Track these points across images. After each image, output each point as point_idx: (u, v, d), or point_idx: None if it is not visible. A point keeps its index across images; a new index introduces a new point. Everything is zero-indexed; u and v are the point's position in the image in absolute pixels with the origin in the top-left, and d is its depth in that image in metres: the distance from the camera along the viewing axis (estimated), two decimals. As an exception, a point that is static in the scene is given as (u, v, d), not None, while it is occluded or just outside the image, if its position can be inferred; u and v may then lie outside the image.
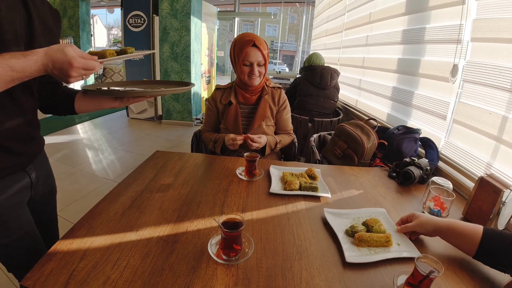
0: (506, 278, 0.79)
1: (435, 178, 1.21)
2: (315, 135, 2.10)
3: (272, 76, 6.02)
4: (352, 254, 0.85)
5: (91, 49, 6.98)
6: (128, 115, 5.31)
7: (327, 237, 0.95)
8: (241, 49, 1.54)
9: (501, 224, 1.02)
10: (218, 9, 6.02)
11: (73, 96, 1.01)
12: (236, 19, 6.87)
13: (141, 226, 0.93)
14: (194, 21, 4.65)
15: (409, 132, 1.79)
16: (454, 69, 1.55)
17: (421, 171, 1.35)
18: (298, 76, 3.22)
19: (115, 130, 4.67)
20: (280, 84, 2.78)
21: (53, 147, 3.70)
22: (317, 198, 1.18)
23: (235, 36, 6.95)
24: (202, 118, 5.21)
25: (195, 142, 1.82)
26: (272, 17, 8.98)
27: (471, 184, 1.33)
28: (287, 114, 1.77)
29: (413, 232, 0.94)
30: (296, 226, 0.99)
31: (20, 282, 0.70)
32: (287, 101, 1.75)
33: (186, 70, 4.69)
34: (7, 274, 1.00)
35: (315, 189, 1.21)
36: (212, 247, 0.82)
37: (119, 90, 1.01)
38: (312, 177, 1.32)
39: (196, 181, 1.24)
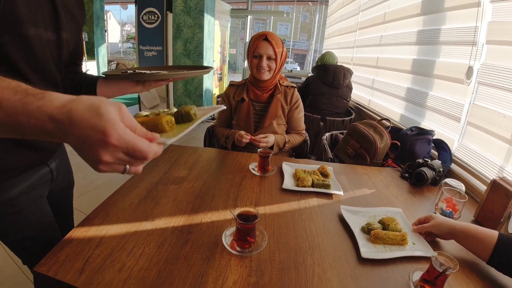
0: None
1: (448, 180, 1.20)
2: (327, 134, 2.10)
3: (283, 75, 6.00)
4: (367, 250, 0.86)
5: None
6: (140, 110, 5.37)
7: (340, 234, 0.95)
8: (253, 43, 1.57)
9: (511, 228, 1.01)
10: (231, 7, 6.03)
11: (95, 84, 0.98)
12: (249, 17, 6.88)
13: (156, 216, 0.95)
14: (207, 19, 4.67)
15: (423, 133, 1.78)
16: (469, 71, 1.53)
17: (433, 173, 1.34)
18: (310, 74, 3.21)
19: (127, 124, 4.71)
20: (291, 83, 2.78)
21: (67, 140, 3.75)
22: (329, 196, 1.18)
23: (247, 34, 6.94)
24: (214, 114, 5.24)
25: (207, 137, 1.84)
26: (285, 15, 8.96)
27: (483, 187, 1.33)
28: (299, 113, 1.76)
29: (429, 234, 0.94)
30: (309, 221, 1.00)
31: (34, 268, 0.71)
32: (300, 100, 1.74)
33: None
34: (21, 266, 1.00)
35: (327, 186, 1.21)
36: (227, 238, 0.84)
37: (143, 73, 0.96)
38: (325, 174, 1.33)
39: (210, 175, 1.26)
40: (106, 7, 7.62)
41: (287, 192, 1.17)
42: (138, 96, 5.26)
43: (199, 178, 1.22)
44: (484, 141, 1.44)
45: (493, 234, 0.80)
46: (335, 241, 0.92)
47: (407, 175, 1.42)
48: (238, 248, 0.81)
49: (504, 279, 0.80)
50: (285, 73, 6.28)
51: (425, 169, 1.33)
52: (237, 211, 0.81)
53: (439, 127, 1.84)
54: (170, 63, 4.84)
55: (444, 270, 0.67)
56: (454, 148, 1.65)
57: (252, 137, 1.53)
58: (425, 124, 1.98)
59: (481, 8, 1.47)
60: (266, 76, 1.60)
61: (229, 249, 0.81)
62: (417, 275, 0.75)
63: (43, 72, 0.77)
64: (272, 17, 17.45)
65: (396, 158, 1.95)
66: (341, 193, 1.19)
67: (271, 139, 1.57)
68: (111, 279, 0.70)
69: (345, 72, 2.90)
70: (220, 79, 5.71)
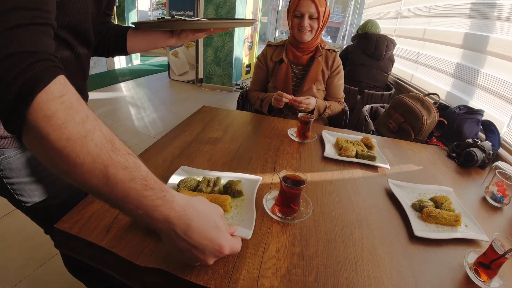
0: None
1: (499, 163, 1.12)
2: (368, 106, 1.96)
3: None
4: (420, 228, 0.78)
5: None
6: (169, 77, 5.34)
7: (388, 209, 0.87)
8: (294, 1, 1.44)
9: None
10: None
11: (124, 35, 0.90)
12: (283, -16, 6.54)
13: (191, 175, 0.88)
14: (240, -17, 4.47)
15: (472, 112, 1.65)
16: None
17: (483, 154, 1.22)
18: (350, 44, 3.01)
19: (156, 90, 4.71)
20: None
21: (97, 103, 3.81)
22: (374, 168, 1.08)
23: (280, 3, 6.61)
24: (242, 84, 5.13)
25: (241, 102, 1.75)
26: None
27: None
28: (340, 80, 1.63)
29: None
30: (354, 193, 0.91)
31: (55, 225, 0.63)
32: (341, 66, 1.61)
33: (229, 33, 4.57)
34: (44, 236, 0.95)
35: (373, 158, 1.11)
36: (268, 203, 0.76)
37: (180, 19, 0.85)
38: (369, 146, 1.22)
39: (246, 137, 1.18)
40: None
41: (328, 161, 1.08)
42: (168, 62, 5.20)
43: (234, 140, 1.14)
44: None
45: None
46: (383, 215, 0.83)
47: (454, 154, 1.30)
48: (279, 214, 0.73)
49: None
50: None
51: (475, 150, 1.22)
52: (283, 173, 0.73)
53: (488, 108, 1.71)
54: (201, 28, 4.70)
55: (504, 253, 0.62)
56: (503, 131, 1.54)
57: (293, 98, 1.43)
58: (473, 104, 1.84)
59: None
60: (308, 37, 1.46)
61: (270, 214, 0.74)
62: (471, 258, 0.69)
63: (82, 35, 0.69)
64: (306, -14, 16.57)
65: (441, 137, 1.80)
66: (388, 166, 1.09)
67: (312, 101, 1.46)
68: (141, 239, 0.63)
69: (388, 43, 2.68)
70: (251, 48, 5.53)
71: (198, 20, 0.85)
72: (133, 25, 0.91)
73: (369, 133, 1.64)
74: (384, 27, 3.74)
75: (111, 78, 5.00)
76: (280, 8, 6.61)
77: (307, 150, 1.14)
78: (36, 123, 0.36)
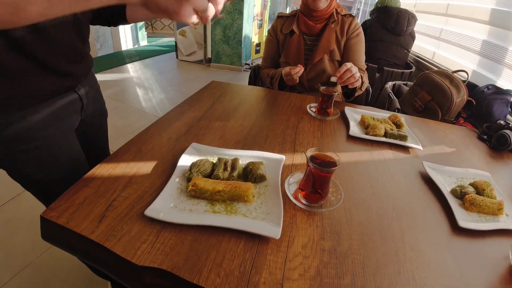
0: None
1: None
2: (390, 83, 1.80)
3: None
4: (463, 218, 0.68)
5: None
6: (177, 57, 5.18)
7: (426, 195, 0.75)
8: None
9: None
10: None
11: (123, 5, 0.81)
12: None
13: (199, 155, 0.77)
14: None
15: (501, 92, 1.54)
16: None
17: None
18: (368, 18, 2.80)
19: (164, 70, 4.58)
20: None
21: (104, 84, 3.70)
22: (405, 149, 0.96)
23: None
24: (252, 63, 4.94)
25: (253, 77, 1.61)
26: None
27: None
28: (359, 44, 1.39)
29: None
30: (387, 177, 0.79)
31: (41, 214, 0.55)
32: (361, 29, 1.39)
33: (239, 10, 4.37)
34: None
35: (404, 138, 0.98)
36: (290, 187, 0.65)
37: None
38: (398, 124, 1.08)
39: (260, 114, 1.06)
40: None
41: (354, 140, 0.95)
42: (175, 43, 5.04)
43: (247, 117, 1.02)
44: None
45: None
46: (422, 203, 0.71)
47: (485, 137, 1.16)
48: (303, 201, 0.62)
49: None
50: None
51: (508, 132, 1.08)
52: (310, 152, 0.61)
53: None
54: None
55: None
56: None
57: (301, 66, 1.20)
58: (501, 84, 1.72)
59: None
60: (323, 4, 1.29)
61: (293, 200, 0.62)
62: None
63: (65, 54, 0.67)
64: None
65: (469, 118, 1.65)
66: (420, 147, 0.96)
67: (354, 69, 1.12)
68: (139, 230, 0.52)
69: (410, 18, 2.48)
70: (260, 26, 5.31)
71: None
72: None
73: (393, 111, 1.49)
74: (404, 2, 3.50)
75: (118, 60, 4.87)
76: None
77: (329, 128, 1.01)
78: None
